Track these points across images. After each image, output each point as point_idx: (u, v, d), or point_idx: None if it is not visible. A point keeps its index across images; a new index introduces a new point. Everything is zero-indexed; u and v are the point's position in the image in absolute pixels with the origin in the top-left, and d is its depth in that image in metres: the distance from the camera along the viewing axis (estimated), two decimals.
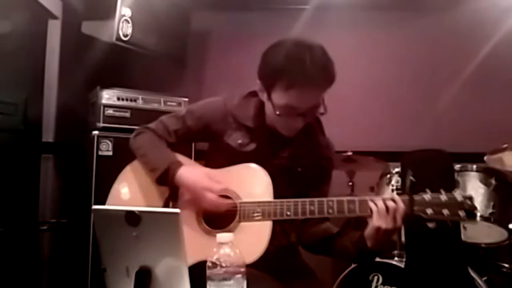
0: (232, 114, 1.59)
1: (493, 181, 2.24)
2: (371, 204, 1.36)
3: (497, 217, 2.18)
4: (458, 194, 1.33)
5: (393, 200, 1.36)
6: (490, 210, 2.18)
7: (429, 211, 1.33)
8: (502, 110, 3.04)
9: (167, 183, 1.53)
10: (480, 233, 2.27)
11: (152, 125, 1.65)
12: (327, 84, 1.48)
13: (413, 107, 3.21)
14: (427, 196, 1.34)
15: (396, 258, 2.20)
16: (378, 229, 1.35)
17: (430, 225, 1.33)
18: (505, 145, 2.23)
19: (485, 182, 2.25)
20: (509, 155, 2.21)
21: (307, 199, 1.43)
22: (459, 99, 3.09)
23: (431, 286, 2.01)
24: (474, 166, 2.31)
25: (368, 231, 1.39)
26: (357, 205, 1.38)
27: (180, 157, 1.61)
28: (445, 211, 1.31)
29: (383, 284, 2.14)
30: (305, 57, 1.43)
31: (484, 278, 2.12)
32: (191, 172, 1.51)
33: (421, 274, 2.04)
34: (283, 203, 1.43)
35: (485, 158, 2.28)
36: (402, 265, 2.12)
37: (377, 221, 1.34)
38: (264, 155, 1.55)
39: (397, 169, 2.33)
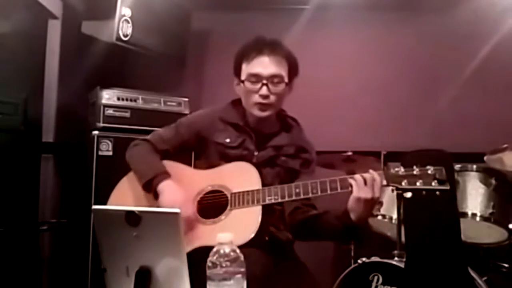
0: (220, 117, 1.76)
1: (493, 181, 2.24)
2: (351, 179, 1.48)
3: (497, 217, 2.18)
4: (429, 167, 1.46)
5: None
6: (490, 210, 2.18)
7: (403, 182, 1.46)
8: (502, 110, 3.04)
9: (152, 191, 1.64)
10: (480, 233, 2.27)
11: (148, 137, 1.79)
12: (286, 59, 1.69)
13: (413, 107, 3.21)
14: (401, 170, 1.48)
15: (396, 258, 2.19)
16: (358, 200, 1.47)
17: (406, 195, 1.48)
18: (505, 145, 2.23)
19: (485, 182, 2.26)
20: (509, 155, 2.21)
21: (292, 184, 1.56)
22: (459, 99, 3.09)
23: (431, 286, 2.01)
24: (474, 166, 2.31)
25: (350, 203, 1.50)
26: (338, 182, 1.50)
27: (175, 164, 1.72)
28: (419, 182, 1.45)
29: (383, 284, 2.13)
30: (262, 38, 1.71)
31: (484, 278, 2.12)
32: (171, 192, 1.60)
33: (421, 274, 2.04)
34: (271, 189, 1.55)
35: (485, 158, 2.28)
36: (402, 265, 2.12)
37: (357, 193, 1.47)
38: (251, 148, 1.71)
39: (397, 169, 2.33)
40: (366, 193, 1.46)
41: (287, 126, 1.81)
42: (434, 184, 1.44)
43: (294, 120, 1.85)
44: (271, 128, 1.77)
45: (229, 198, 1.58)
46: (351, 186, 1.48)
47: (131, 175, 1.73)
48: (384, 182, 1.48)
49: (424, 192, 1.45)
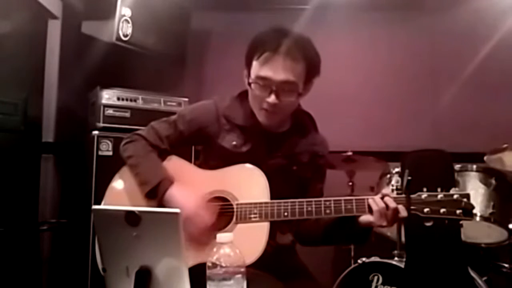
0: (225, 115, 1.57)
1: (493, 181, 2.24)
2: (372, 204, 1.36)
3: (497, 217, 2.18)
4: (455, 193, 1.34)
5: (388, 196, 1.36)
6: (490, 210, 2.18)
7: (426, 209, 1.34)
8: (502, 110, 3.04)
9: (156, 199, 1.49)
10: (480, 233, 2.27)
11: (143, 132, 1.62)
12: (304, 61, 1.48)
13: (413, 107, 3.21)
14: (424, 194, 1.35)
15: (396, 258, 2.20)
16: (378, 226, 1.37)
17: (427, 223, 1.35)
18: (505, 145, 2.23)
19: (485, 182, 2.26)
20: (509, 155, 2.21)
21: (304, 200, 1.42)
22: (459, 99, 3.10)
23: (431, 286, 2.01)
24: (474, 166, 2.31)
25: (366, 224, 1.39)
26: (354, 204, 1.39)
27: (176, 159, 1.61)
28: (442, 210, 1.33)
29: (383, 284, 2.14)
30: (282, 31, 1.49)
31: (484, 278, 2.12)
32: (182, 194, 1.47)
33: (421, 274, 2.04)
34: (280, 203, 1.42)
35: (485, 158, 2.28)
36: (402, 265, 2.12)
37: (378, 221, 1.35)
38: (259, 155, 1.54)
39: (397, 169, 2.33)
40: (387, 221, 1.35)
41: (300, 125, 1.63)
42: (458, 213, 1.31)
43: (308, 115, 1.68)
44: (281, 125, 1.60)
45: (234, 209, 1.45)
46: (369, 208, 1.36)
47: (122, 172, 1.60)
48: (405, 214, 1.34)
49: (446, 222, 1.33)
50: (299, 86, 1.49)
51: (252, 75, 1.50)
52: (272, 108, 1.48)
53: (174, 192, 1.47)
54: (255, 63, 1.49)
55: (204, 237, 1.42)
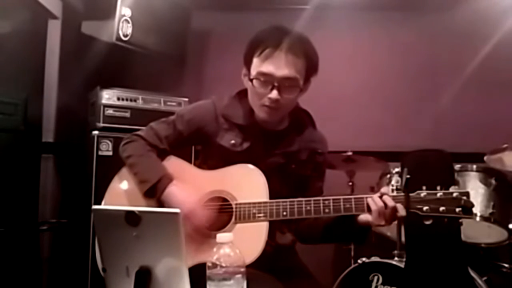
0: (223, 114, 1.58)
1: (493, 181, 2.25)
2: (371, 203, 1.36)
3: (497, 217, 2.18)
4: (454, 191, 1.33)
5: (386, 195, 1.36)
6: (490, 210, 2.18)
7: (425, 208, 1.34)
8: (502, 110, 3.04)
9: (155, 198, 1.50)
10: (480, 233, 2.28)
11: (142, 132, 1.63)
12: (305, 58, 1.49)
13: (413, 107, 3.21)
14: (423, 193, 1.35)
15: (396, 258, 2.20)
16: (377, 225, 1.37)
17: (427, 222, 1.35)
18: (505, 145, 2.23)
19: (485, 182, 2.26)
20: (509, 155, 2.21)
21: (303, 199, 1.43)
22: (459, 99, 3.10)
23: (431, 286, 2.01)
24: (474, 166, 2.31)
25: (363, 223, 1.39)
26: (353, 203, 1.39)
27: (175, 160, 1.61)
28: (441, 208, 1.32)
29: (383, 284, 2.14)
30: (282, 29, 1.51)
31: (484, 278, 2.12)
32: (181, 192, 1.48)
33: (421, 274, 2.04)
34: (279, 203, 1.43)
35: (485, 158, 2.28)
36: (402, 265, 2.12)
37: (376, 220, 1.35)
38: (258, 153, 1.55)
39: (397, 169, 2.34)
40: (386, 220, 1.34)
41: (298, 123, 1.64)
42: (458, 211, 1.31)
43: (306, 113, 1.68)
44: (280, 123, 1.61)
45: (233, 209, 1.45)
46: (368, 207, 1.36)
47: (122, 173, 1.61)
48: (404, 213, 1.34)
49: (446, 220, 1.33)
50: (300, 82, 1.49)
51: (253, 71, 1.50)
52: (274, 104, 1.48)
53: (173, 190, 1.48)
54: (255, 60, 1.50)
55: (200, 236, 1.43)
